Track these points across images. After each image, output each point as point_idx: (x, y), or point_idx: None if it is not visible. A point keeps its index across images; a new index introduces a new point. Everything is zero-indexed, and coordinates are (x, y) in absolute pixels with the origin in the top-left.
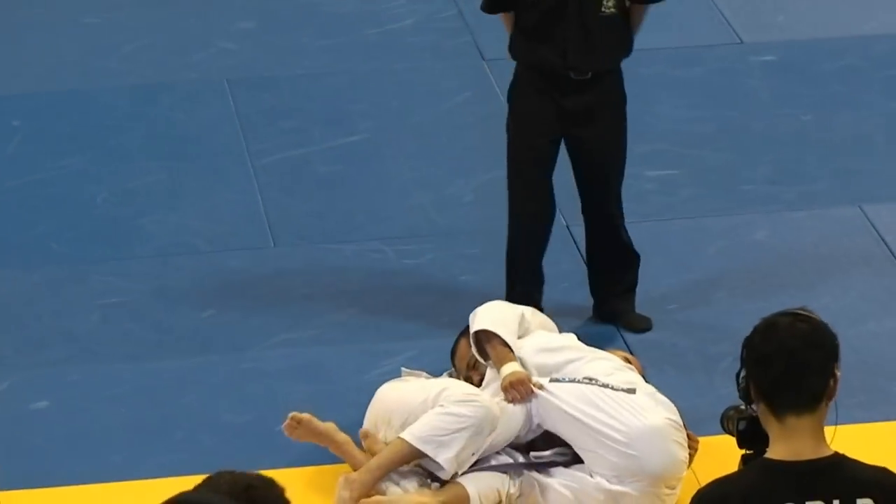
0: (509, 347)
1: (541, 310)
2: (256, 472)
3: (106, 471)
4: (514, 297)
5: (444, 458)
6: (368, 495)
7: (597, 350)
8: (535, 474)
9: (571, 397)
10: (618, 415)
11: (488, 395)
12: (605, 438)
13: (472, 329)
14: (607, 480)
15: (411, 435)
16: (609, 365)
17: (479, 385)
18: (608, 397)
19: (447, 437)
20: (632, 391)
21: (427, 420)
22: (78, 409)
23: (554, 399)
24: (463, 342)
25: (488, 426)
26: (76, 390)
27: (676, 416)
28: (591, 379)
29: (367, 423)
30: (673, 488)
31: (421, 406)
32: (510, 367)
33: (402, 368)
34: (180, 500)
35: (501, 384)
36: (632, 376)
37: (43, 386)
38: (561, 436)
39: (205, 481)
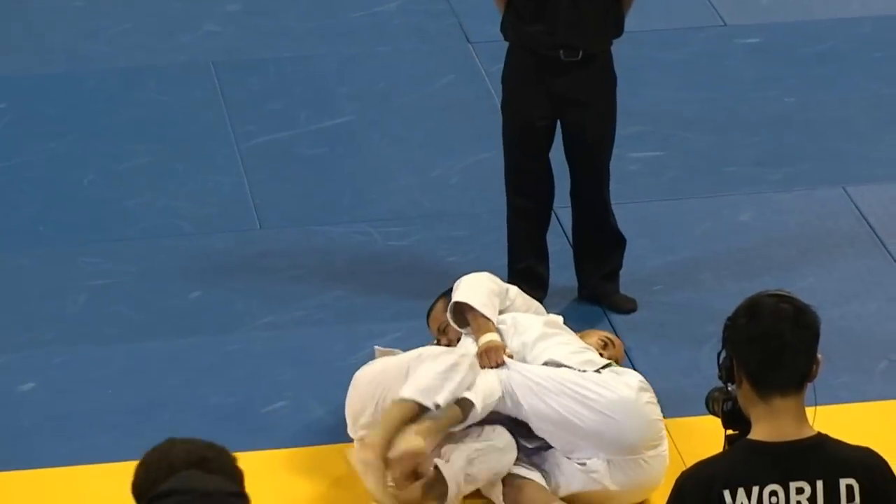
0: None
1: (546, 285)
2: (206, 441)
3: (92, 452)
4: (516, 272)
5: (442, 399)
6: None
7: (572, 334)
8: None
9: (544, 378)
10: (590, 389)
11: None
12: (579, 415)
13: (454, 297)
14: (585, 459)
15: (406, 392)
16: (577, 347)
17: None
18: (577, 377)
19: (438, 382)
20: (598, 371)
21: (415, 377)
22: (65, 390)
23: (528, 378)
24: (440, 304)
25: (472, 364)
26: (63, 372)
27: (641, 379)
28: (557, 363)
29: (350, 409)
30: (656, 447)
31: (399, 378)
32: (488, 337)
33: (376, 347)
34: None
35: (478, 350)
36: (598, 360)
37: (30, 367)
38: (536, 417)
39: (156, 451)
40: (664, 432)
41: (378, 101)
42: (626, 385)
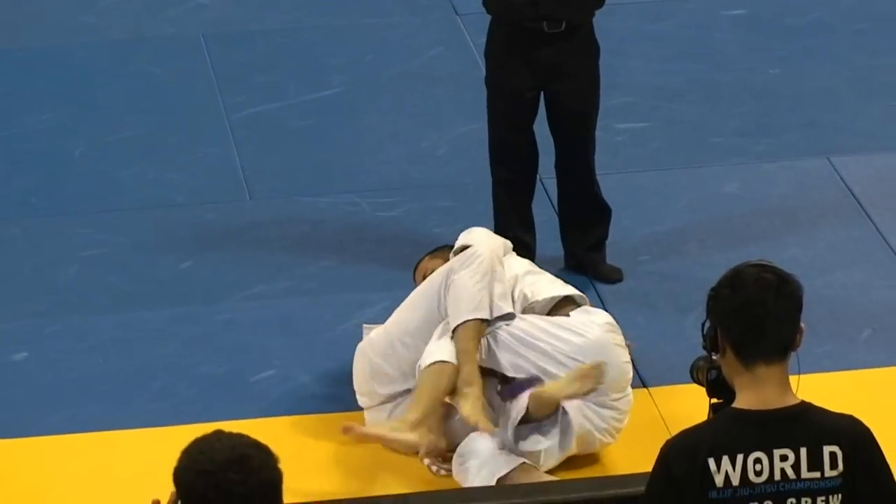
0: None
1: (533, 254)
2: (252, 438)
3: (84, 421)
4: None
5: (507, 307)
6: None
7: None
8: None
9: (518, 330)
10: (558, 338)
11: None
12: (555, 361)
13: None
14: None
15: (463, 315)
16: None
17: None
18: (548, 324)
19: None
20: (566, 314)
21: (456, 300)
22: (57, 360)
23: (505, 331)
24: (426, 258)
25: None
26: (55, 342)
27: (610, 319)
28: (531, 304)
29: (358, 381)
30: (622, 391)
31: (432, 310)
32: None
33: (363, 324)
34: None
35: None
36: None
37: (22, 337)
38: (511, 368)
39: (200, 441)
40: (630, 374)
41: (367, 73)
42: (596, 325)
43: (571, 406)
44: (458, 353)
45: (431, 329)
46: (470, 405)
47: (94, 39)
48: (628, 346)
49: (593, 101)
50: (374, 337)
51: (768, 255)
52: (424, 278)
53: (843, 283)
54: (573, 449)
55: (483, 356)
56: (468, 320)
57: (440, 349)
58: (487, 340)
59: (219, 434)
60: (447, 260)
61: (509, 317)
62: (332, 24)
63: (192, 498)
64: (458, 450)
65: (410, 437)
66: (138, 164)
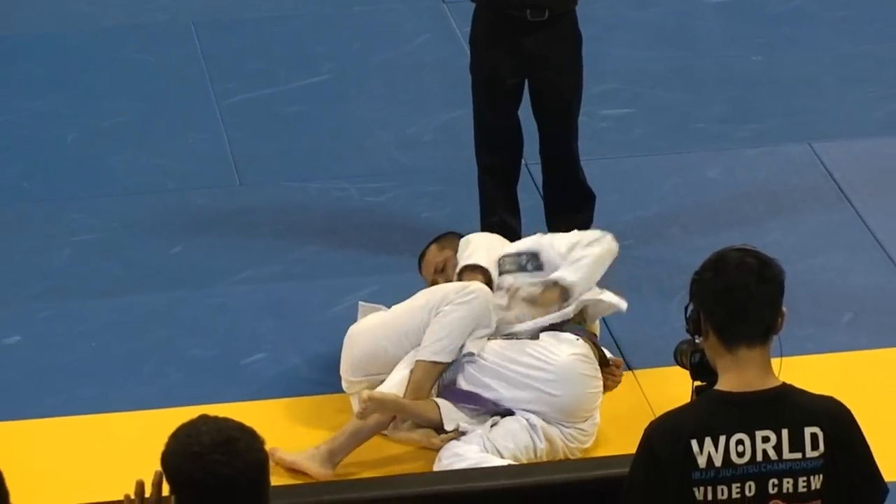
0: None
1: (519, 238)
2: (238, 421)
3: (76, 404)
4: (489, 226)
5: (475, 346)
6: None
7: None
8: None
9: (496, 356)
10: (526, 366)
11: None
12: (527, 387)
13: (468, 259)
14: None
15: (431, 353)
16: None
17: None
18: (514, 352)
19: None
20: (535, 337)
21: (436, 333)
22: (49, 343)
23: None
24: (433, 248)
25: (489, 316)
26: (48, 325)
27: (581, 349)
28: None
29: (346, 364)
30: (585, 419)
31: (418, 327)
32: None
33: (360, 302)
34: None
35: None
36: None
37: (15, 321)
38: (479, 390)
39: (187, 426)
40: (598, 402)
41: (355, 59)
42: (563, 354)
43: (537, 420)
44: (410, 384)
45: (413, 340)
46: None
47: (86, 26)
48: (614, 362)
49: (576, 89)
50: (366, 328)
51: (751, 240)
52: (435, 272)
53: (825, 267)
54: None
55: (449, 380)
56: (432, 361)
57: (392, 382)
58: (460, 367)
59: (205, 418)
60: (455, 251)
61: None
62: (321, 11)
63: (180, 480)
64: (441, 454)
65: (319, 470)
66: (130, 149)
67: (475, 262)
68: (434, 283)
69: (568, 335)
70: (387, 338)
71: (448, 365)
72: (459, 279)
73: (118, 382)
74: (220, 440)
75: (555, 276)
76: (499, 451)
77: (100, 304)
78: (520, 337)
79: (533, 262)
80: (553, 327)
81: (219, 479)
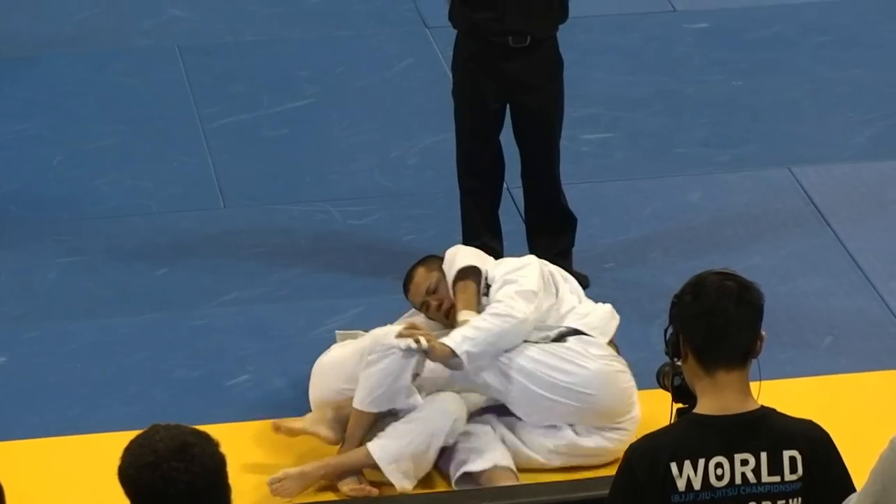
0: (477, 298)
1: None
2: (191, 427)
3: (62, 424)
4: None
5: (402, 403)
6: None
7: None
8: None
9: (515, 366)
10: (560, 370)
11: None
12: (550, 399)
13: (460, 263)
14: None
15: (359, 403)
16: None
17: (437, 309)
18: (545, 356)
19: (377, 391)
20: (562, 339)
21: (361, 384)
22: (35, 364)
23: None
24: (420, 270)
25: (405, 371)
26: (33, 346)
27: (607, 350)
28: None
29: (313, 397)
30: (627, 413)
31: (355, 367)
32: (467, 315)
33: (336, 331)
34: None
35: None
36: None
37: (1, 342)
38: (510, 403)
39: (140, 437)
40: (634, 395)
41: (338, 84)
42: (593, 357)
43: (581, 428)
44: (347, 431)
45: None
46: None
47: (71, 50)
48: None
49: (557, 113)
50: (325, 366)
51: (731, 263)
52: (428, 293)
53: (805, 291)
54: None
55: (491, 385)
56: (359, 410)
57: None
58: (499, 369)
59: (156, 428)
60: (441, 270)
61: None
62: (305, 36)
63: (141, 492)
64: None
65: (327, 433)
66: (115, 172)
67: (467, 264)
68: (426, 304)
69: (592, 339)
70: (336, 378)
71: (376, 414)
72: (454, 287)
73: (103, 403)
74: (175, 447)
75: (448, 337)
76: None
77: (85, 325)
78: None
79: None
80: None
81: (178, 486)
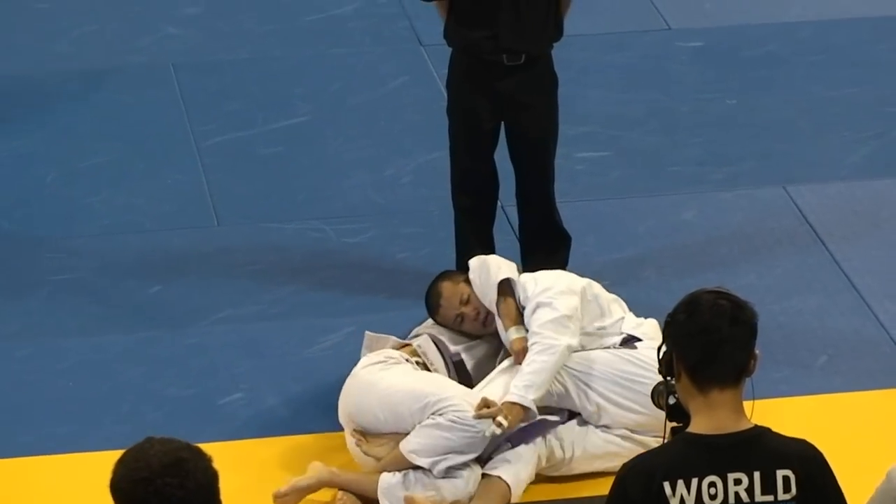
0: (518, 311)
1: None
2: (185, 441)
3: (53, 443)
4: (465, 267)
5: (438, 470)
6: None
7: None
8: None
9: (594, 370)
10: (636, 374)
11: (486, 393)
12: (632, 399)
13: (495, 274)
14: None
15: (408, 448)
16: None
17: (475, 319)
18: (621, 362)
19: (439, 457)
20: (632, 345)
21: (420, 435)
22: (27, 381)
23: (576, 370)
24: (446, 284)
25: (475, 448)
26: (25, 364)
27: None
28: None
29: (346, 412)
30: None
31: (410, 415)
32: (518, 332)
33: (367, 332)
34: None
35: (513, 347)
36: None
37: None
38: (590, 404)
39: (134, 450)
40: None
41: (333, 101)
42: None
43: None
44: (385, 459)
45: (401, 426)
46: None
47: (65, 68)
48: None
49: (552, 131)
50: (366, 386)
51: (726, 282)
52: (461, 303)
53: (799, 310)
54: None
55: (570, 392)
56: (407, 454)
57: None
58: (577, 378)
59: (150, 441)
60: (468, 283)
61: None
62: (299, 54)
63: None
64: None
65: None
66: (108, 190)
67: (503, 277)
68: (461, 316)
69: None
70: (381, 409)
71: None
72: (499, 296)
73: (95, 421)
74: (169, 462)
75: (513, 394)
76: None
77: (77, 343)
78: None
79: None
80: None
81: (171, 501)
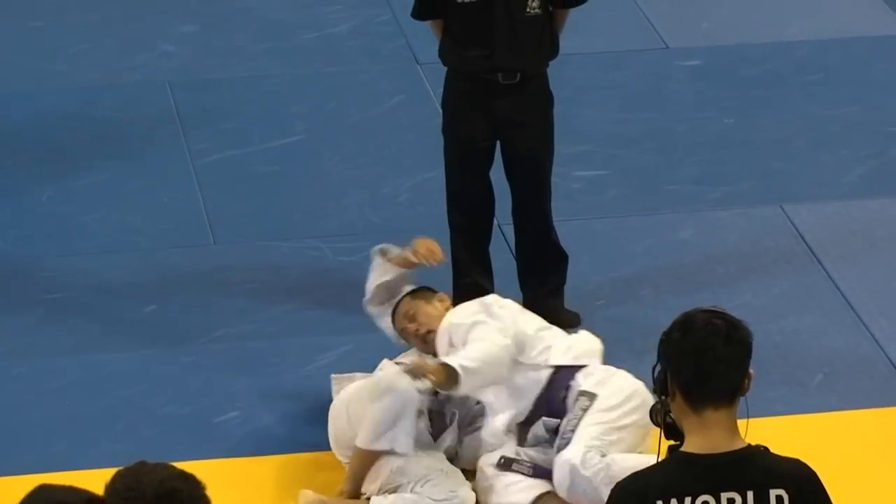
0: None
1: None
2: (179, 468)
3: (49, 461)
4: (461, 287)
5: (401, 446)
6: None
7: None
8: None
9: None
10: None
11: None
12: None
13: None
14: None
15: (361, 441)
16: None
17: (415, 334)
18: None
19: (388, 430)
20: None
21: (367, 421)
22: (22, 400)
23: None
24: (406, 298)
25: (411, 403)
26: (21, 382)
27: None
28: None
29: (333, 442)
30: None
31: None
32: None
33: (332, 376)
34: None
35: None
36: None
37: None
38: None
39: (126, 477)
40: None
41: (329, 119)
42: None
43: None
44: (348, 472)
45: None
46: None
47: (61, 86)
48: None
49: (548, 150)
50: (343, 407)
51: (722, 301)
52: (406, 318)
53: (796, 329)
54: None
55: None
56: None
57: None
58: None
59: (143, 467)
60: (426, 300)
61: None
62: (296, 72)
63: None
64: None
65: None
66: (104, 208)
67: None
68: (404, 330)
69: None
70: (347, 419)
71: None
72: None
73: (91, 439)
74: (163, 492)
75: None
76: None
77: (73, 361)
78: None
79: None
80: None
81: None
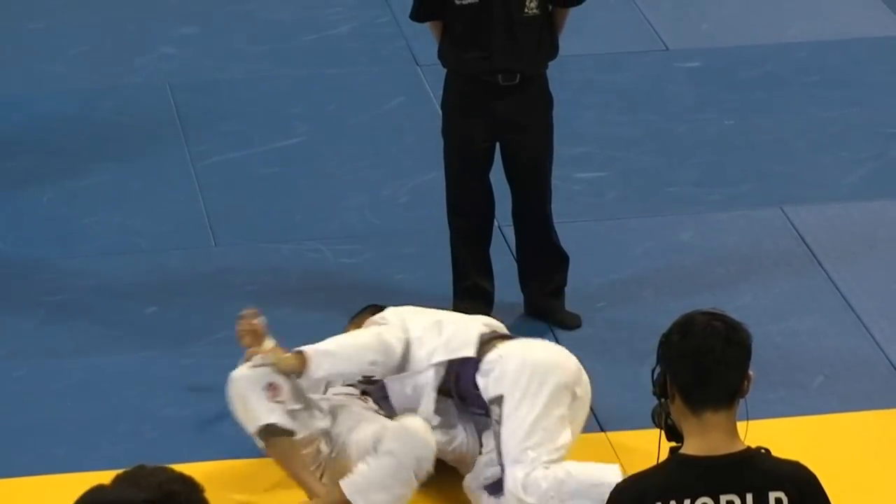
0: None
1: (492, 301)
2: (177, 472)
3: (51, 463)
4: (462, 289)
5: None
6: None
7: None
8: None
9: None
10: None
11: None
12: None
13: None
14: None
15: (347, 485)
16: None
17: None
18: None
19: (377, 486)
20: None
21: (363, 470)
22: (24, 402)
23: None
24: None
25: (420, 465)
26: (22, 385)
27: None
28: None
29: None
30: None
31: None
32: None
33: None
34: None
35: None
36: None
37: None
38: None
39: (124, 482)
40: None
41: (329, 121)
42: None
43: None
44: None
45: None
46: None
47: (61, 88)
48: None
49: (548, 151)
50: None
51: (722, 303)
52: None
53: (796, 331)
54: None
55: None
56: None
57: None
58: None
59: (141, 471)
60: (361, 326)
61: None
62: (296, 74)
63: None
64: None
65: None
66: (105, 210)
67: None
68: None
69: None
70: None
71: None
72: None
73: (92, 441)
74: (161, 496)
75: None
76: None
77: (74, 363)
78: None
79: None
80: None
81: None
